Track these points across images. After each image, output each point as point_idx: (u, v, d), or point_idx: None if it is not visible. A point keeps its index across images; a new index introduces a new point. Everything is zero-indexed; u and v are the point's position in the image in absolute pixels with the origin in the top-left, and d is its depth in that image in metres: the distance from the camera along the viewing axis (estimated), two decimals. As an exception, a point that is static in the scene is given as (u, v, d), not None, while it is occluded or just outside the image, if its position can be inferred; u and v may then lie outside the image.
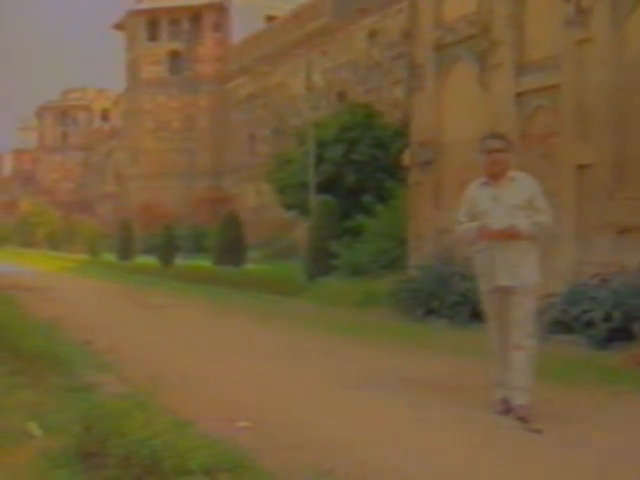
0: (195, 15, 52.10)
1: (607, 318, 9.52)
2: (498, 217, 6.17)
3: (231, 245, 25.45)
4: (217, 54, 51.27)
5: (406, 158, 16.02)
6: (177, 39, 52.37)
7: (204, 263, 26.77)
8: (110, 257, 37.21)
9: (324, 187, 22.72)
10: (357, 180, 23.24)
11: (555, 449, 5.27)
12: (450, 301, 12.45)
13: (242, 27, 48.05)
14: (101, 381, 7.09)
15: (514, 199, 6.20)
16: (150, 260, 31.36)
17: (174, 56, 52.30)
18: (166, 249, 30.28)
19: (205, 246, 32.92)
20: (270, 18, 48.20)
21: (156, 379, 7.61)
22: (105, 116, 77.61)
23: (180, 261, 29.75)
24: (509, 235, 6.14)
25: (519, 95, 13.04)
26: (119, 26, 56.72)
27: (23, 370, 7.63)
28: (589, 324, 9.69)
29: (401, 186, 18.09)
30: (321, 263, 18.50)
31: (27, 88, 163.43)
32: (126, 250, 35.71)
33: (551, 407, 6.37)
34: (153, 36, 52.87)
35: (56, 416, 5.81)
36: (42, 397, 6.53)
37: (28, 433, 5.49)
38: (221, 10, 51.46)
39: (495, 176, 6.29)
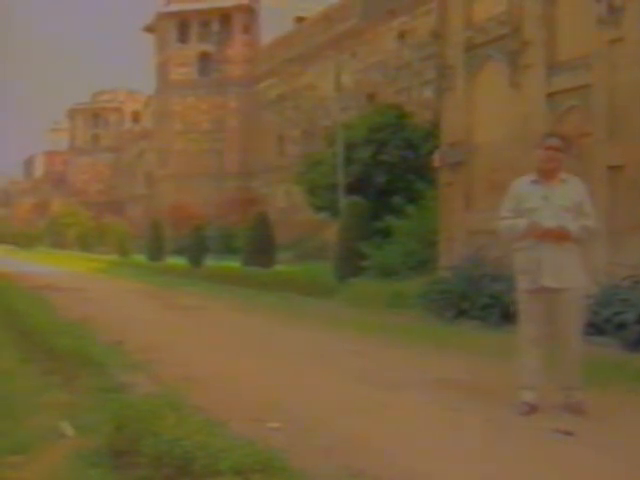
0: (224, 17, 52.32)
1: (639, 320, 9.43)
2: (548, 217, 6.16)
3: (261, 246, 25.46)
4: (247, 55, 51.46)
5: (436, 159, 15.96)
6: (207, 41, 52.62)
7: (234, 264, 26.82)
8: (140, 258, 37.39)
9: (354, 188, 22.70)
10: (387, 181, 23.17)
11: (588, 451, 5.24)
12: (481, 303, 12.38)
13: (271, 29, 48.21)
14: (133, 381, 7.13)
15: (564, 201, 6.19)
16: (180, 261, 31.47)
17: (204, 58, 52.55)
18: (196, 250, 30.38)
19: (235, 247, 32.97)
20: (299, 19, 48.32)
21: (187, 379, 7.63)
22: (135, 118, 78.12)
23: (210, 262, 29.82)
24: (560, 235, 6.13)
25: (550, 95, 12.95)
26: (149, 28, 57.09)
27: (56, 370, 7.71)
28: (621, 326, 9.61)
29: (431, 187, 18.04)
30: (351, 264, 18.47)
31: (58, 90, 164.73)
32: (156, 251, 35.86)
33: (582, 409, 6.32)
34: (183, 38, 53.16)
35: (88, 416, 5.85)
36: (74, 397, 6.58)
37: (61, 432, 5.53)
38: (250, 12, 51.64)
39: (547, 174, 6.28)
